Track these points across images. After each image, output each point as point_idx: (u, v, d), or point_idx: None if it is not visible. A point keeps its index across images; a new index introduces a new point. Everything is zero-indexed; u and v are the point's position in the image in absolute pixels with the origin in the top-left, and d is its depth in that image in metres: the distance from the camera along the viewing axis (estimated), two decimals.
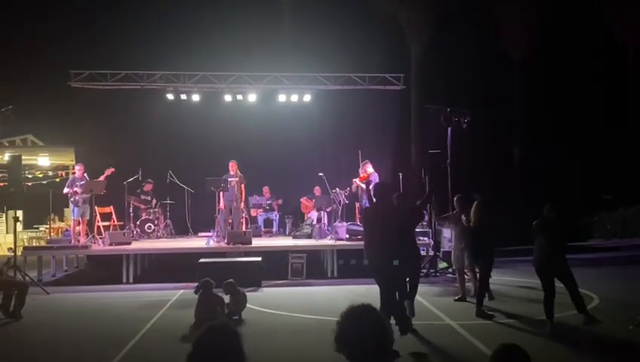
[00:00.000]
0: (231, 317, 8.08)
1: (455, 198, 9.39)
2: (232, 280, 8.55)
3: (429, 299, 9.28)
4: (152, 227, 14.61)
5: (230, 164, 13.68)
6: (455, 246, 9.60)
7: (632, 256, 15.18)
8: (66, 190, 13.05)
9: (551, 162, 18.68)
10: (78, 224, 13.06)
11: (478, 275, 8.85)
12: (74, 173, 13.60)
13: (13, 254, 10.97)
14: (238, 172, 13.79)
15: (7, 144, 18.76)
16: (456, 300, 9.21)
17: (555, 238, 7.42)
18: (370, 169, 13.09)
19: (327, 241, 12.78)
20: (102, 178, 12.99)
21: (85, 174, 13.12)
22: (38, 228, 18.44)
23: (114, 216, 14.15)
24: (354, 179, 13.32)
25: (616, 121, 19.27)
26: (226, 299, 8.46)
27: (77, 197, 12.76)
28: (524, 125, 19.74)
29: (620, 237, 18.39)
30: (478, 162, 17.05)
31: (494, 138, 18.76)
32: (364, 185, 12.81)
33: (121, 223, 14.35)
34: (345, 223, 13.04)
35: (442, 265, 12.50)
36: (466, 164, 14.91)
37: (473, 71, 18.58)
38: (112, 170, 13.24)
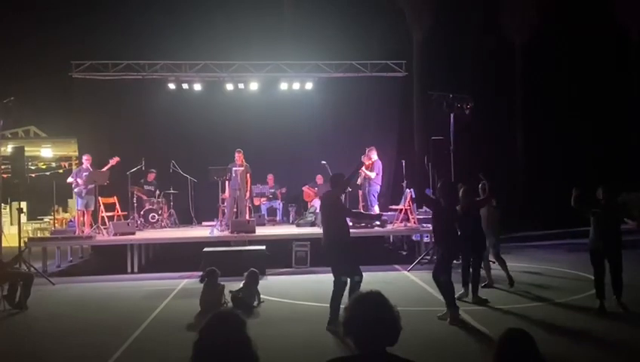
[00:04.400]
0: (243, 305, 8.09)
1: (481, 185, 9.07)
2: (255, 269, 8.60)
3: (432, 285, 9.26)
4: (156, 217, 14.61)
5: (236, 154, 13.58)
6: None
7: (635, 240, 15.12)
8: (70, 179, 13.10)
9: (553, 148, 18.60)
10: (83, 215, 13.08)
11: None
12: (81, 163, 13.53)
13: (25, 247, 11.02)
14: (244, 162, 13.73)
15: (9, 136, 18.76)
16: (483, 287, 8.89)
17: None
18: (374, 156, 13.05)
19: None
20: (106, 168, 13.00)
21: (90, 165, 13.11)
22: (42, 219, 18.48)
23: (117, 206, 14.16)
24: (361, 169, 13.14)
25: (619, 107, 19.17)
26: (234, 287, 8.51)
27: (80, 188, 12.77)
28: (527, 111, 19.64)
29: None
30: (479, 148, 16.98)
31: (497, 124, 18.68)
32: (370, 174, 12.82)
33: (125, 213, 14.34)
34: None
35: None
36: (468, 149, 14.86)
37: (476, 57, 18.48)
38: (117, 159, 13.22)
